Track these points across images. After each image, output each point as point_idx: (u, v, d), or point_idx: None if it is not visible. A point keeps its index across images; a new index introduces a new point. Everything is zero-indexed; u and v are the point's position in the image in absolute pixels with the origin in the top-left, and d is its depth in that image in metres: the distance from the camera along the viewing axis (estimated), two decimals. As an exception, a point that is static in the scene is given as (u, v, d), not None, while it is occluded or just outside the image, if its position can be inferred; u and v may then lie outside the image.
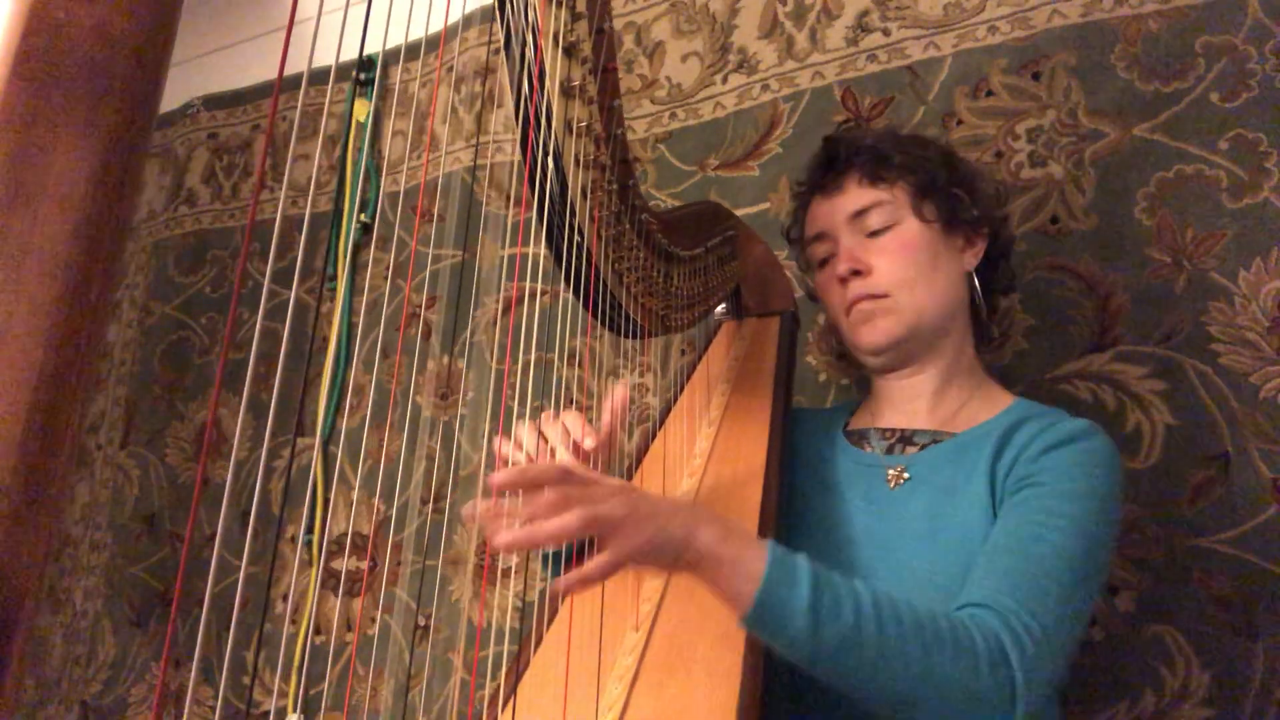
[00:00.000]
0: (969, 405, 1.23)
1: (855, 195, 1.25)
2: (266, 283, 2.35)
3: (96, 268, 0.41)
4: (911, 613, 0.88)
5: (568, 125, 0.98)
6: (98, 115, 0.41)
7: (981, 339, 1.32)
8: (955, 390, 1.25)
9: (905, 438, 1.24)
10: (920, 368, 1.26)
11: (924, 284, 1.21)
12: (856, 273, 1.23)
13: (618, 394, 1.12)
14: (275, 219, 2.41)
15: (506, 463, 1.07)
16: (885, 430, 1.26)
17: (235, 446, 2.34)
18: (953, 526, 1.09)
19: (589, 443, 1.06)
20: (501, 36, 0.93)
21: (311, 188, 1.72)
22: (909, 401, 1.27)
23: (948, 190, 1.24)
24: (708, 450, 1.24)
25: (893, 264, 1.22)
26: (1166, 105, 1.46)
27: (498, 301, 2.03)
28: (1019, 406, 1.20)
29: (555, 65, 0.94)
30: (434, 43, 2.20)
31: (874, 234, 1.23)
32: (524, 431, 1.08)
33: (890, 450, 1.24)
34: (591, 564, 0.83)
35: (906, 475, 1.18)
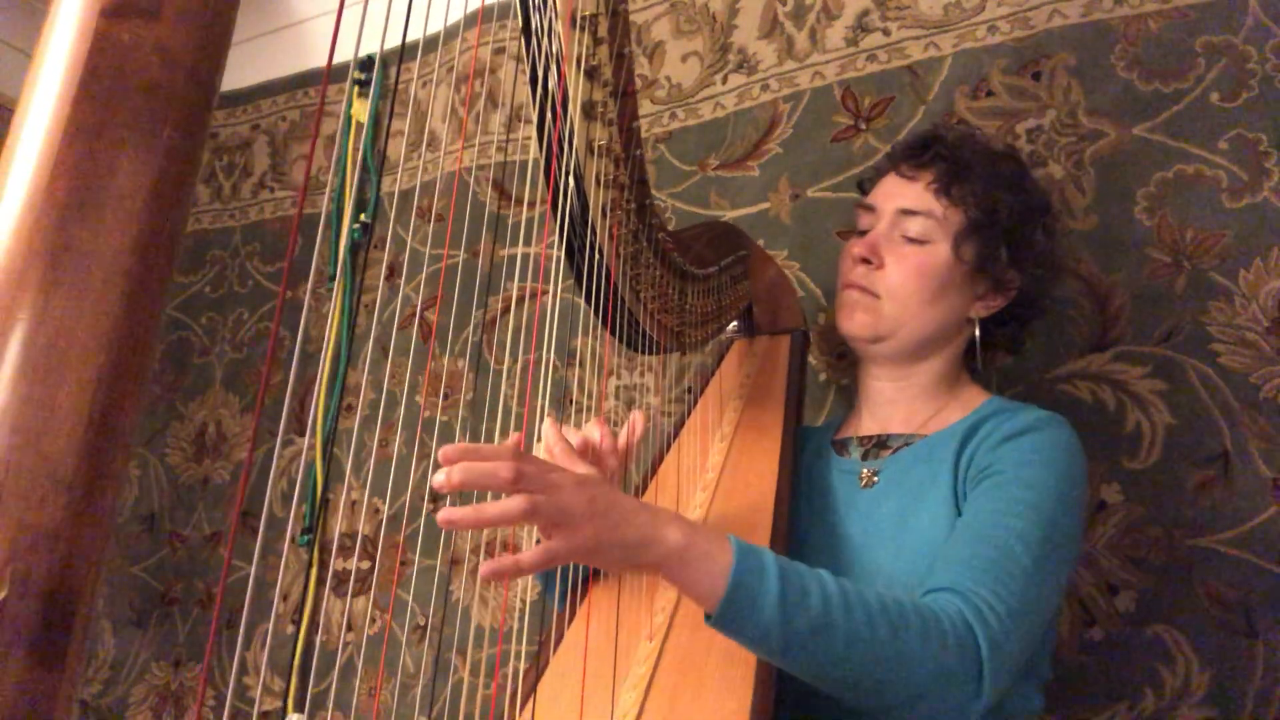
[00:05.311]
0: (944, 410, 1.25)
1: (916, 195, 1.25)
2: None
3: (153, 275, 0.42)
4: (876, 597, 0.89)
5: (589, 146, 1.00)
6: (156, 131, 0.42)
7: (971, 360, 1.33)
8: (932, 399, 1.27)
9: (880, 442, 1.26)
10: (900, 375, 1.28)
11: (916, 308, 1.23)
12: (868, 261, 1.25)
13: (638, 423, 1.09)
14: (276, 219, 2.43)
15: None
16: (863, 438, 1.29)
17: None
18: (919, 529, 1.10)
19: (608, 443, 1.05)
20: (528, 64, 0.94)
21: (324, 187, 1.72)
22: (885, 405, 1.29)
23: (998, 240, 1.22)
24: (720, 464, 1.25)
25: (901, 274, 1.23)
26: (1166, 105, 1.46)
27: (499, 301, 2.03)
28: (989, 405, 1.21)
29: (577, 88, 0.96)
30: (434, 43, 2.21)
31: (909, 238, 1.24)
32: (549, 430, 1.03)
33: (866, 455, 1.26)
34: (530, 553, 0.80)
35: (877, 478, 1.20)
